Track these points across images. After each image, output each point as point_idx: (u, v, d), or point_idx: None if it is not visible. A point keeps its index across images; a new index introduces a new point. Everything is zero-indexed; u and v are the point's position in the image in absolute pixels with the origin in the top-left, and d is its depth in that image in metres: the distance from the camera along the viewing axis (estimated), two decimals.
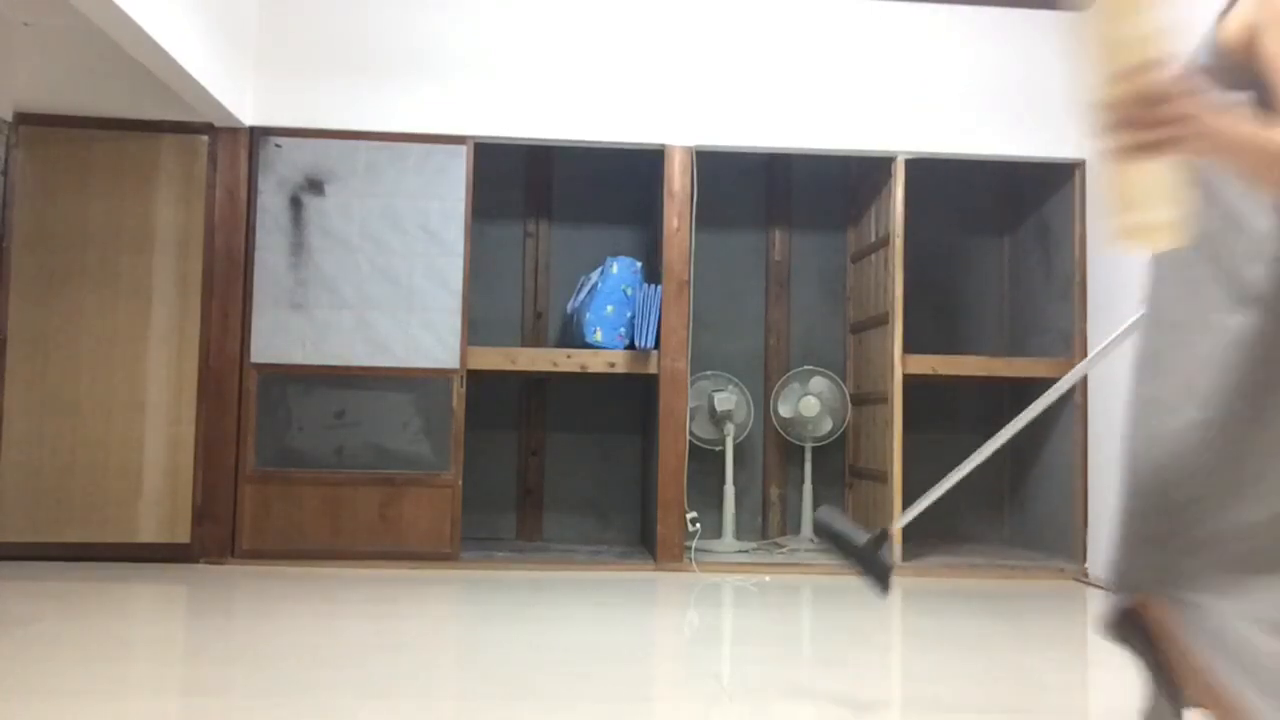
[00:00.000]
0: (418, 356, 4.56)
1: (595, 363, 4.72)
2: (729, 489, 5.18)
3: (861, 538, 2.55)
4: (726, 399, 5.13)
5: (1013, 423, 2.57)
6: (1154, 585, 1.47)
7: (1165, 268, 1.50)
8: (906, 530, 4.80)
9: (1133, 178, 1.22)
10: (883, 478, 4.89)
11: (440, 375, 4.57)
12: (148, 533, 4.44)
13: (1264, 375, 1.36)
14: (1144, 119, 1.17)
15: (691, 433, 4.86)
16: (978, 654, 3.13)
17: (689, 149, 4.74)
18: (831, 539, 2.59)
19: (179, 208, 4.55)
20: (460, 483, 4.56)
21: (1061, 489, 5.03)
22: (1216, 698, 1.38)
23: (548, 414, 5.47)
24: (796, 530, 5.44)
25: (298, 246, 4.56)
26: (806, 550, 5.07)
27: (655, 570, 4.56)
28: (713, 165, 4.92)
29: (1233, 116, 1.22)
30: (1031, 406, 2.47)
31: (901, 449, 4.77)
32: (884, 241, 4.98)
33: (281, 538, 4.47)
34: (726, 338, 5.52)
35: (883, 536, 2.56)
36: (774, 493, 5.56)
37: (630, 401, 5.43)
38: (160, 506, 4.46)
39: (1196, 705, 1.44)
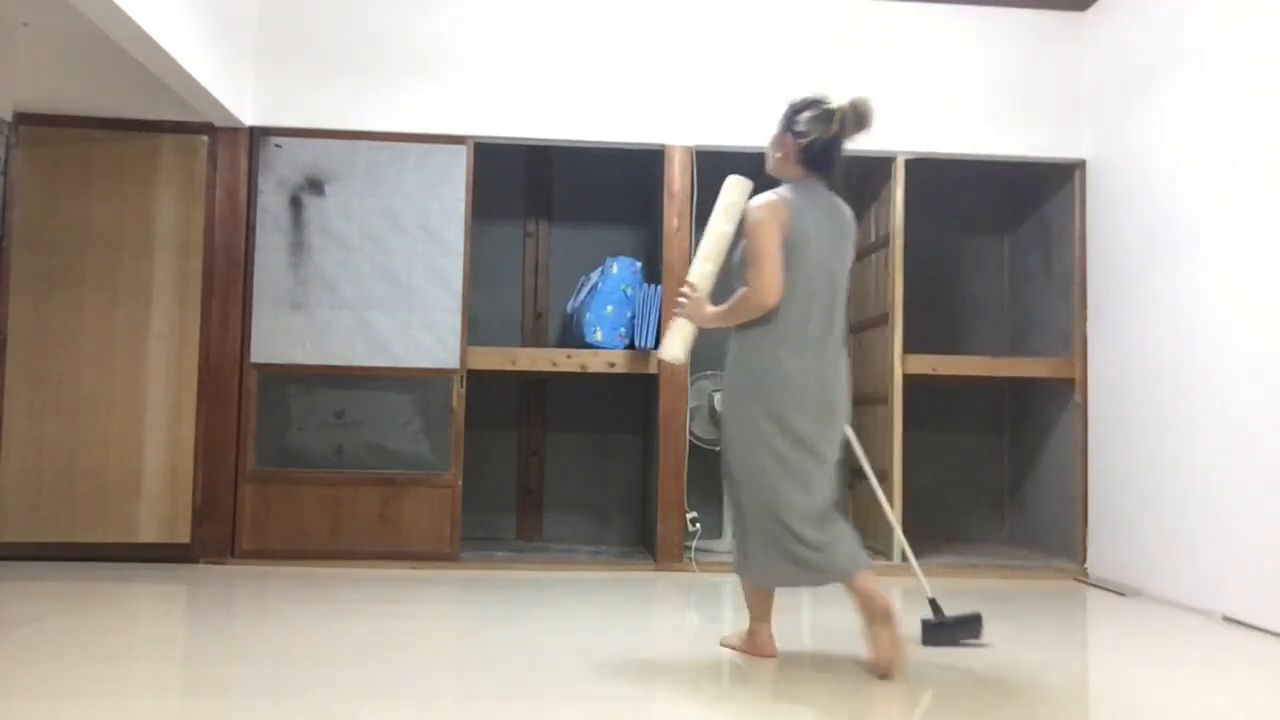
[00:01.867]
0: (418, 356, 4.56)
1: (595, 363, 4.72)
2: None
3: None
4: None
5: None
6: None
7: None
8: (906, 531, 4.82)
9: (675, 322, 3.07)
10: (883, 478, 4.89)
11: (440, 375, 4.57)
12: (148, 533, 4.44)
13: None
14: (679, 298, 3.07)
15: (691, 433, 4.86)
16: (977, 654, 3.13)
17: (689, 149, 4.74)
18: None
19: (179, 208, 4.55)
20: (460, 483, 4.56)
21: (1061, 489, 5.03)
22: None
23: (548, 414, 5.47)
24: None
25: (298, 246, 4.56)
26: None
27: (655, 570, 4.56)
28: (713, 165, 4.91)
29: (699, 305, 3.04)
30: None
31: (902, 449, 4.77)
32: (884, 241, 4.98)
33: (281, 538, 4.47)
34: (727, 338, 5.50)
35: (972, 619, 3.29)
36: None
37: (630, 401, 5.43)
38: (160, 506, 4.46)
39: None
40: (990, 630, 3.32)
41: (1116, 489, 4.52)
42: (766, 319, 2.88)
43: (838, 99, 2.92)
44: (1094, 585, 4.51)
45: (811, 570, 2.80)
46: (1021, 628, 3.61)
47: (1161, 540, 4.16)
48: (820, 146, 2.91)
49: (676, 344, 3.07)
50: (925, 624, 3.26)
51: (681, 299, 3.07)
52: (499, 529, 5.38)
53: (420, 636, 3.27)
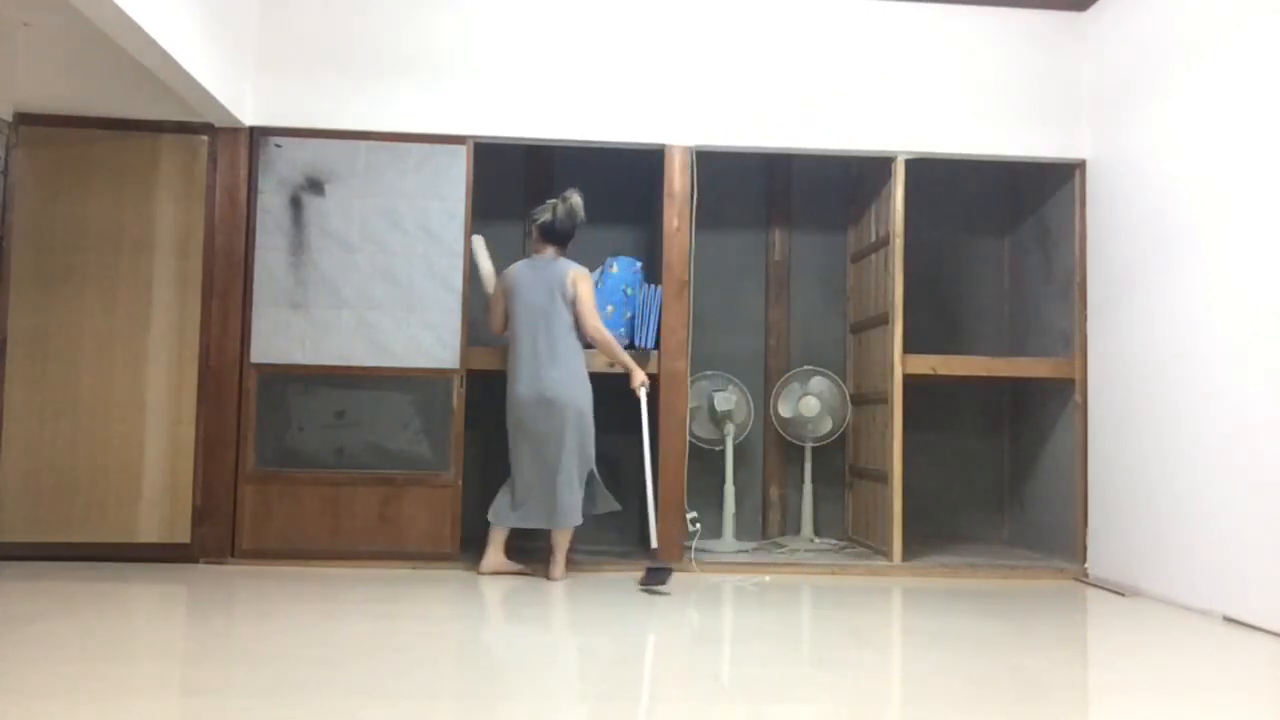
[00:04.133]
0: (418, 356, 4.56)
1: (595, 362, 4.71)
2: (729, 489, 5.18)
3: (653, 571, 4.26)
4: (726, 399, 5.13)
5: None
6: None
7: None
8: (907, 530, 4.83)
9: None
10: (883, 478, 4.89)
11: (440, 375, 4.57)
12: (148, 533, 4.44)
13: None
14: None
15: (691, 433, 4.86)
16: (978, 654, 3.13)
17: (689, 149, 4.75)
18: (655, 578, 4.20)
19: (179, 208, 4.56)
20: (460, 483, 4.57)
21: (1061, 489, 5.03)
22: None
23: None
24: (796, 530, 5.45)
25: (298, 246, 4.56)
26: (806, 550, 5.08)
27: None
28: (713, 165, 4.92)
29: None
30: None
31: (901, 449, 4.77)
32: (884, 241, 4.98)
33: (281, 538, 4.47)
34: (726, 338, 5.52)
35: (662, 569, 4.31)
36: (774, 493, 5.56)
37: (630, 401, 5.42)
38: (160, 506, 4.46)
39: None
40: (990, 630, 3.31)
41: (1116, 489, 4.52)
42: (510, 343, 4.34)
43: (562, 198, 4.31)
44: (1094, 585, 4.51)
45: (529, 516, 4.26)
46: (1021, 628, 3.61)
47: (1161, 540, 4.16)
48: (546, 227, 4.32)
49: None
50: (647, 569, 4.26)
51: None
52: None
53: (420, 636, 3.27)
